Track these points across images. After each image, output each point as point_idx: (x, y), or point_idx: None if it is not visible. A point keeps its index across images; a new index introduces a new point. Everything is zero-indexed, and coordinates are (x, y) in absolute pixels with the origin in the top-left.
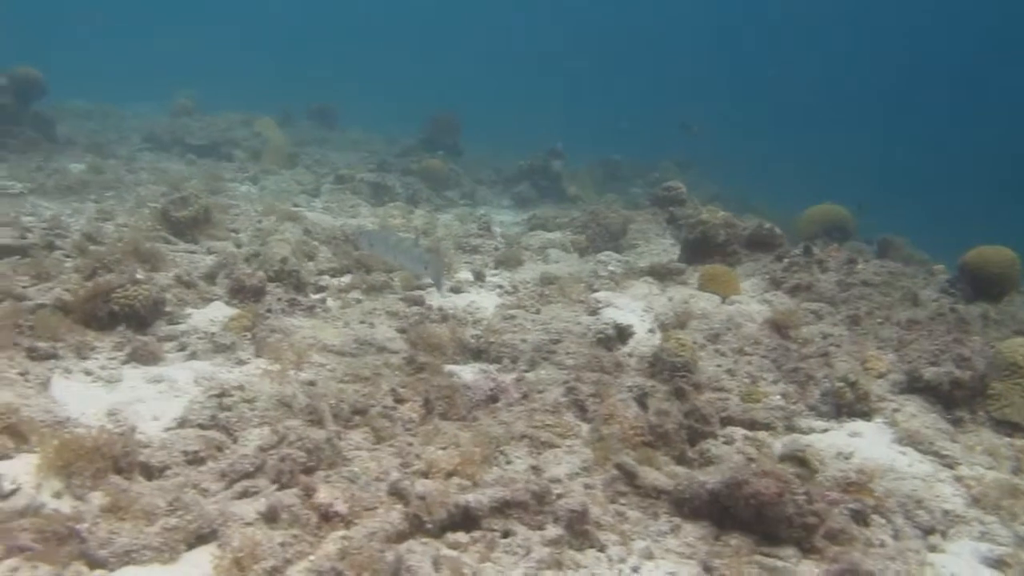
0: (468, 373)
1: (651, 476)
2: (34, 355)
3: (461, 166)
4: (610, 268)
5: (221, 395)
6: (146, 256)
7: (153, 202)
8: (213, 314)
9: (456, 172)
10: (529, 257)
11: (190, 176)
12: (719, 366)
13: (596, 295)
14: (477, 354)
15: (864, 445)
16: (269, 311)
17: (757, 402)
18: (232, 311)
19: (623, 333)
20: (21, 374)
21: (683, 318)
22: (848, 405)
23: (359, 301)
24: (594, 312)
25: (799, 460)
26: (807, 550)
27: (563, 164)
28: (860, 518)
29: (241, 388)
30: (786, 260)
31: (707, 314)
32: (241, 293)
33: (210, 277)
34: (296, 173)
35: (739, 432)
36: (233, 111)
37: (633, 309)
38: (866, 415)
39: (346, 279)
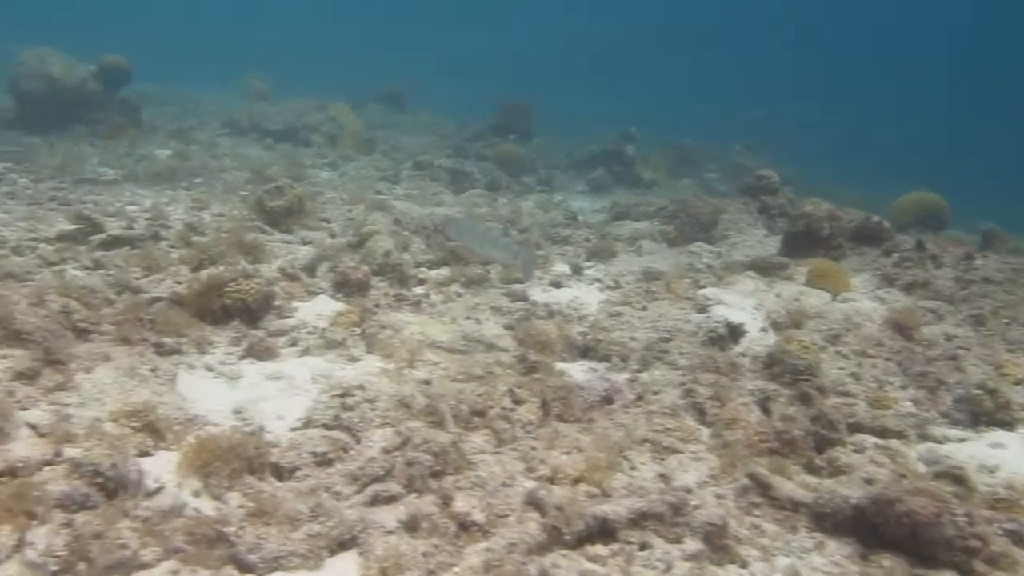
0: (578, 371)
1: (786, 487)
2: (161, 350)
3: (532, 151)
4: (704, 261)
5: (343, 395)
6: (248, 248)
7: (240, 189)
8: (319, 308)
9: (530, 157)
10: (621, 248)
11: (271, 162)
12: (842, 369)
13: (703, 291)
14: (584, 351)
15: (1009, 457)
16: (377, 307)
17: (886, 408)
18: (338, 305)
19: (735, 332)
20: (152, 370)
21: (797, 317)
22: (987, 414)
23: (459, 295)
24: (703, 309)
25: (955, 477)
26: (966, 573)
27: (636, 149)
28: (1019, 540)
29: (362, 388)
30: (896, 255)
31: (822, 313)
32: (346, 287)
33: (310, 269)
34: (373, 159)
35: (869, 440)
36: (304, 96)
37: (743, 307)
38: (1008, 425)
39: (444, 272)
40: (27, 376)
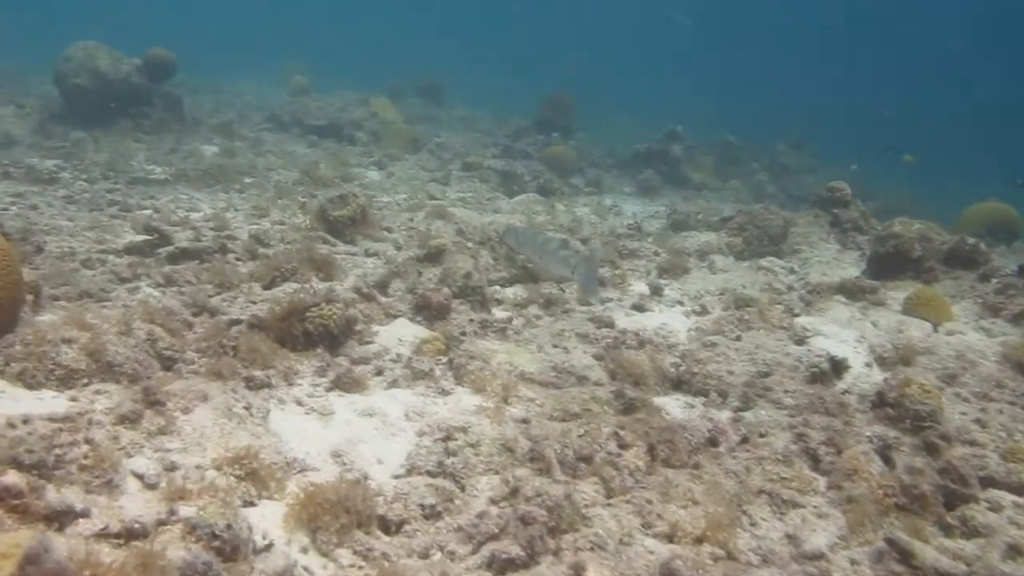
0: (674, 407)
1: (929, 555)
2: (252, 384)
3: (574, 148)
4: (782, 279)
5: (446, 439)
6: (320, 263)
7: (291, 192)
8: (400, 332)
9: (576, 158)
10: (693, 263)
11: (317, 160)
12: (964, 414)
13: (800, 321)
14: (678, 383)
15: None
16: (463, 334)
17: (1022, 462)
18: (418, 329)
19: (838, 367)
20: (246, 407)
21: (906, 353)
22: None
23: (538, 317)
24: (801, 341)
25: None
26: None
27: (683, 149)
28: None
29: (464, 431)
30: (996, 280)
31: (931, 348)
32: (427, 310)
33: (382, 286)
34: (420, 158)
35: (1006, 497)
36: (342, 88)
37: (844, 338)
38: None
39: (518, 291)
40: (130, 420)
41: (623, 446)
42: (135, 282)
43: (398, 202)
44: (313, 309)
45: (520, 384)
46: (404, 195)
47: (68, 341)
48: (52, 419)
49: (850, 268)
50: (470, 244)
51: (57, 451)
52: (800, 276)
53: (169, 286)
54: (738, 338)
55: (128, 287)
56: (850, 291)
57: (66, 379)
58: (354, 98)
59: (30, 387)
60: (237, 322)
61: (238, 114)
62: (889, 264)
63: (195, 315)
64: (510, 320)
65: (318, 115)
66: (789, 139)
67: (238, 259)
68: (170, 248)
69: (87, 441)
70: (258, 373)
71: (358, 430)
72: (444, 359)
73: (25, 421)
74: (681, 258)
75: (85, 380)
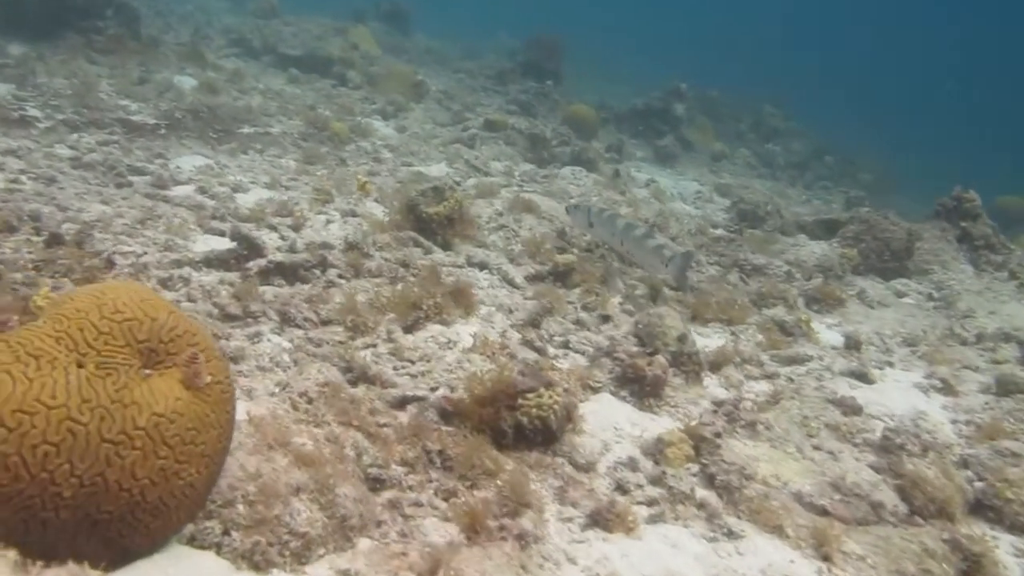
0: (1004, 554)
1: None
2: (522, 542)
3: (562, 96)
4: (968, 324)
5: None
6: (455, 292)
7: (322, 158)
8: (612, 417)
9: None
10: (839, 289)
11: (314, 105)
12: None
13: None
14: (976, 506)
15: None
16: (718, 436)
17: None
18: (631, 412)
19: None
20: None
21: None
22: None
23: (758, 395)
24: None
25: None
26: None
27: (686, 108)
28: None
29: None
30: None
31: None
32: (634, 384)
33: (533, 324)
34: (428, 108)
35: None
36: (303, 6)
37: None
38: None
39: (705, 343)
40: None
41: None
42: (250, 323)
43: (453, 180)
44: (529, 396)
45: (833, 532)
46: (442, 162)
47: (296, 490)
48: None
49: (1010, 303)
50: (574, 250)
51: None
52: (958, 312)
53: (288, 326)
54: None
55: (247, 332)
56: None
57: (301, 553)
58: (330, 26)
59: (258, 569)
60: (414, 400)
61: (195, 32)
62: None
63: (353, 383)
64: (739, 403)
65: (293, 43)
66: (770, 98)
67: (341, 276)
68: (262, 262)
69: None
70: (526, 525)
71: None
72: (695, 467)
73: None
74: (831, 288)
75: (321, 551)
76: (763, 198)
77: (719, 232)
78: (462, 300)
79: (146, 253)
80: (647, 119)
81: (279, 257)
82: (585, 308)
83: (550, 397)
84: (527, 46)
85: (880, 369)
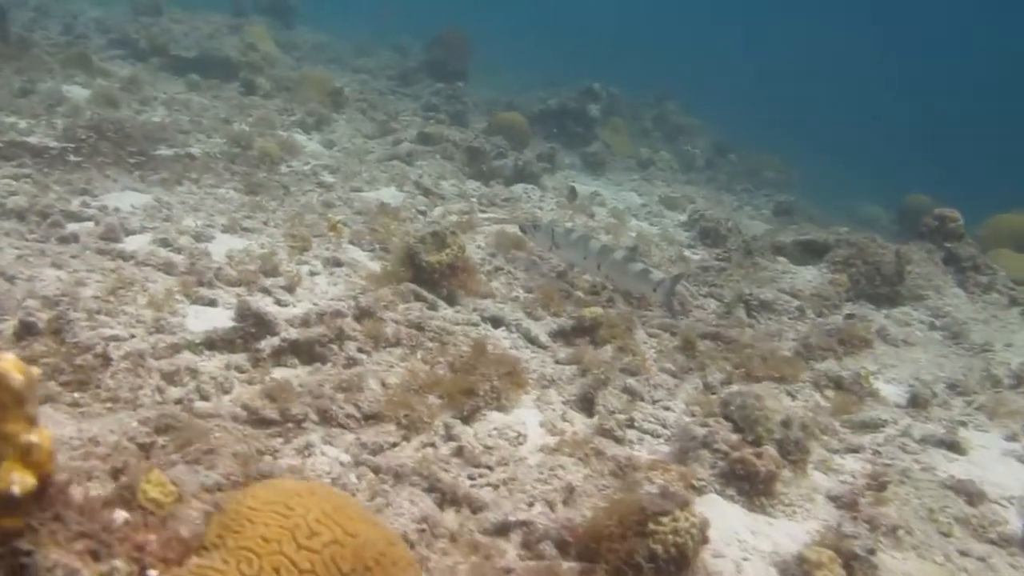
0: None
1: None
2: None
3: (470, 98)
4: (1002, 364)
5: None
6: (504, 363)
7: (272, 193)
8: (729, 523)
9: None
10: (862, 329)
11: (227, 118)
12: None
13: None
14: None
15: None
16: (872, 552)
17: None
18: (741, 515)
19: None
20: None
21: None
22: None
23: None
24: None
25: None
26: None
27: (601, 109)
28: None
29: None
30: None
31: None
32: (743, 481)
33: (586, 402)
34: (351, 118)
35: None
36: (191, 5)
37: None
38: None
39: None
40: None
41: None
42: (292, 429)
43: (424, 214)
44: (663, 520)
45: None
46: (391, 185)
47: None
48: None
49: (1020, 332)
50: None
51: None
52: (974, 345)
53: (330, 426)
54: None
55: (295, 444)
56: None
57: None
58: (223, 23)
59: None
60: (518, 527)
61: (64, 29)
62: None
63: (439, 504)
64: (857, 499)
65: (185, 44)
66: (658, 93)
67: (361, 350)
68: (275, 341)
69: None
70: None
71: None
72: None
73: None
74: (855, 328)
75: None
76: (722, 214)
77: (697, 257)
78: (512, 369)
79: (134, 337)
80: (561, 120)
81: (293, 334)
82: (627, 371)
83: (687, 520)
84: (430, 44)
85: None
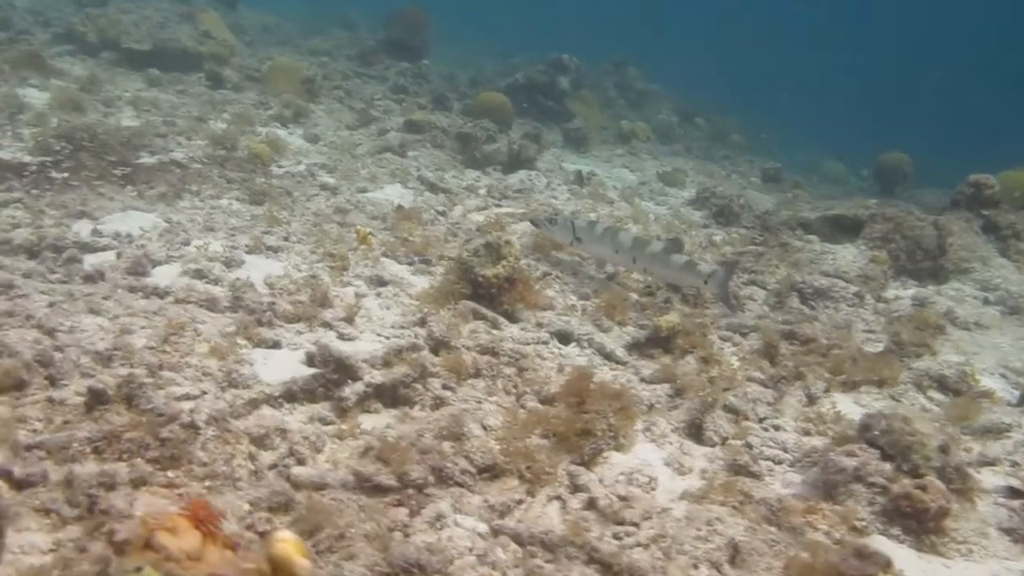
0: None
1: None
2: None
3: (436, 76)
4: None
5: None
6: (613, 395)
7: (282, 202)
8: (908, 572)
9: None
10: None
11: (201, 114)
12: None
13: None
14: None
15: None
16: None
17: None
18: (926, 564)
19: None
20: None
21: None
22: None
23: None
24: None
25: None
26: None
27: (571, 81)
28: None
29: None
30: None
31: None
32: (908, 519)
33: (694, 428)
34: (331, 109)
35: None
36: None
37: None
38: None
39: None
40: None
41: None
42: (413, 495)
43: (433, 209)
44: None
45: None
46: (395, 183)
47: None
48: None
49: None
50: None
51: None
52: None
53: (446, 486)
54: None
55: (425, 517)
56: None
57: None
58: (171, 10)
59: None
60: None
61: (1, 23)
62: None
63: None
64: None
65: (137, 35)
66: (615, 59)
67: (446, 387)
68: (359, 387)
69: None
70: None
71: None
72: None
73: None
74: (923, 313)
75: None
76: (733, 191)
77: (718, 238)
78: (626, 412)
79: (206, 394)
80: (531, 95)
81: (378, 378)
82: (714, 382)
83: None
84: (387, 22)
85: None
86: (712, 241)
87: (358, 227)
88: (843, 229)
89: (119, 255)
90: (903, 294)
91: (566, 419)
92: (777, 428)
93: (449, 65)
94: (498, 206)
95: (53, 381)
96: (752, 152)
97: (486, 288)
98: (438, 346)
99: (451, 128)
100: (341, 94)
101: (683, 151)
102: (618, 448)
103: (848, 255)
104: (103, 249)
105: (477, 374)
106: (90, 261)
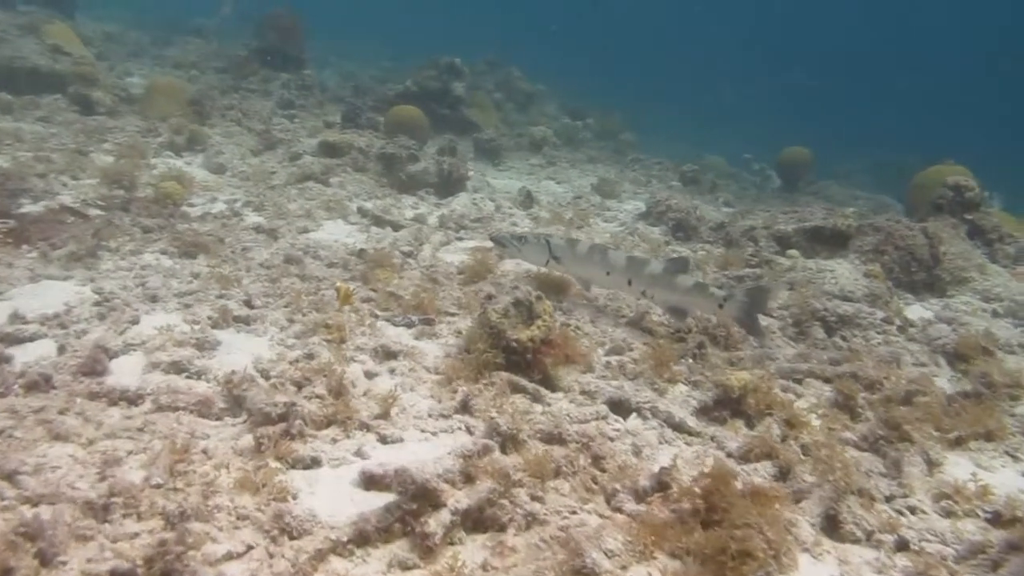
0: None
1: None
2: None
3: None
4: None
5: None
6: (755, 497)
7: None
8: None
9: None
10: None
11: (78, 146)
12: None
13: None
14: None
15: None
16: None
17: None
18: None
19: None
20: None
21: None
22: None
23: None
24: None
25: None
26: None
27: (465, 87)
28: None
29: None
30: None
31: None
32: None
33: (830, 520)
34: (228, 131)
35: None
36: None
37: None
38: None
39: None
40: None
41: None
42: None
43: (400, 249)
44: None
45: None
46: (336, 219)
47: None
48: None
49: None
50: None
51: None
52: None
53: None
54: None
55: None
56: None
57: None
58: (5, 21)
59: None
60: None
61: None
62: None
63: None
64: None
65: None
66: (488, 59)
67: (535, 497)
68: (445, 517)
69: None
70: None
71: None
72: None
73: None
74: (966, 337)
75: None
76: (687, 204)
77: (702, 258)
78: (772, 520)
79: (252, 549)
80: (425, 103)
81: (463, 501)
82: (808, 452)
83: None
84: (260, 29)
85: None
86: (699, 263)
87: (338, 283)
88: (823, 241)
89: (61, 348)
90: (925, 315)
91: (710, 537)
92: (912, 511)
93: (333, 73)
94: (458, 239)
95: (45, 560)
96: (641, 150)
97: (520, 354)
98: (506, 442)
99: (369, 148)
100: (238, 115)
101: (598, 158)
102: (782, 570)
103: (844, 271)
104: (31, 339)
105: (558, 473)
106: (22, 360)
